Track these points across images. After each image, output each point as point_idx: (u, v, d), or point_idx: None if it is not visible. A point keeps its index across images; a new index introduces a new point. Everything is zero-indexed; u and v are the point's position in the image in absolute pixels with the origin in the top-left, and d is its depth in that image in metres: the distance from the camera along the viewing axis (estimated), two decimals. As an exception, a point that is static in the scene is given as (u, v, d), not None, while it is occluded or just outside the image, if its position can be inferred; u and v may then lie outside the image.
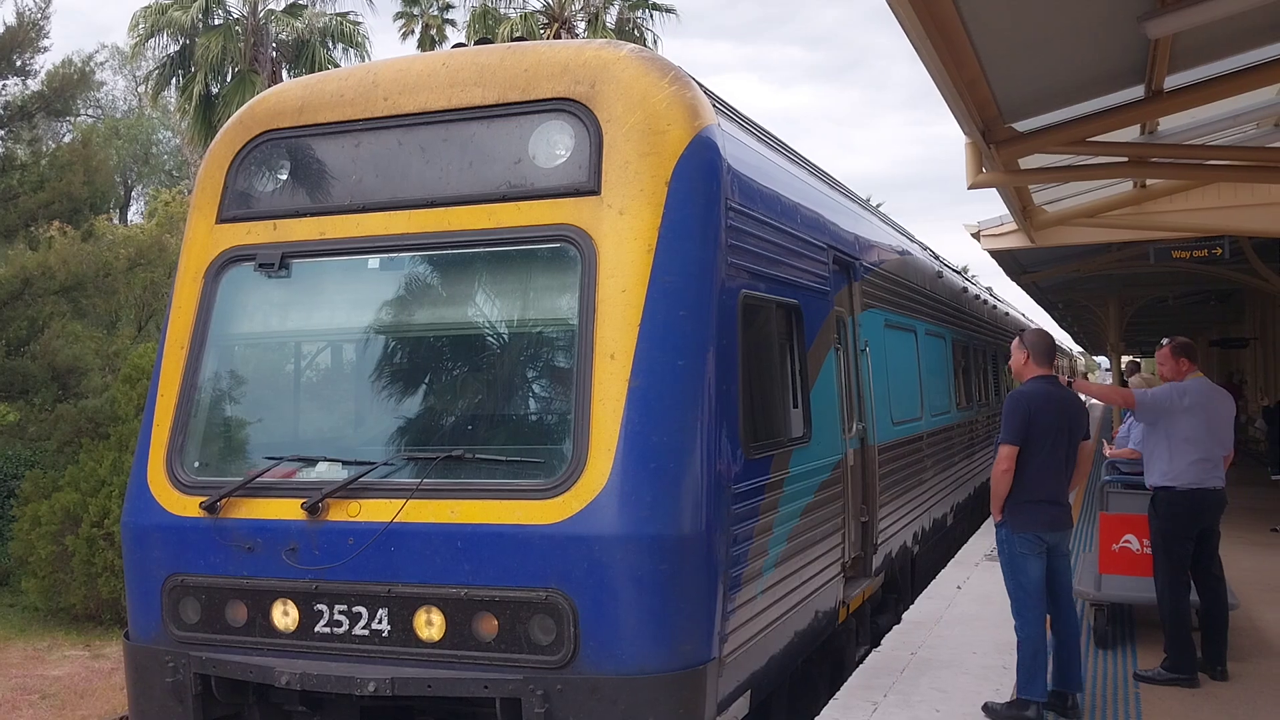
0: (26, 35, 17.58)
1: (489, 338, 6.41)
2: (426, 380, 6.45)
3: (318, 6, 33.05)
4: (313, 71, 27.84)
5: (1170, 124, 10.30)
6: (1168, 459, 7.41)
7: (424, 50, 31.86)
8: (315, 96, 6.60)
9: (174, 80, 32.46)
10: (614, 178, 5.83)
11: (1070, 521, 6.83)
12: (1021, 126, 9.03)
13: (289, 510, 5.98)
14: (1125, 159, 10.46)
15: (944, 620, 9.29)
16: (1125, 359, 29.87)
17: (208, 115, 30.92)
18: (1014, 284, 24.19)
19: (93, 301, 19.28)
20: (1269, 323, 27.85)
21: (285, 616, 5.98)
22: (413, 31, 36.04)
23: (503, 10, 33.69)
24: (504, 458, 5.83)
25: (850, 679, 7.56)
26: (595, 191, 5.85)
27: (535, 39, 28.39)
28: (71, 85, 18.61)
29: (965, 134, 9.06)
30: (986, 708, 6.77)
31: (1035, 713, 6.52)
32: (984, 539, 13.53)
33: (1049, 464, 6.62)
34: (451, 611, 5.65)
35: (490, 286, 6.34)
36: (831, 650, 8.24)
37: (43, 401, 17.68)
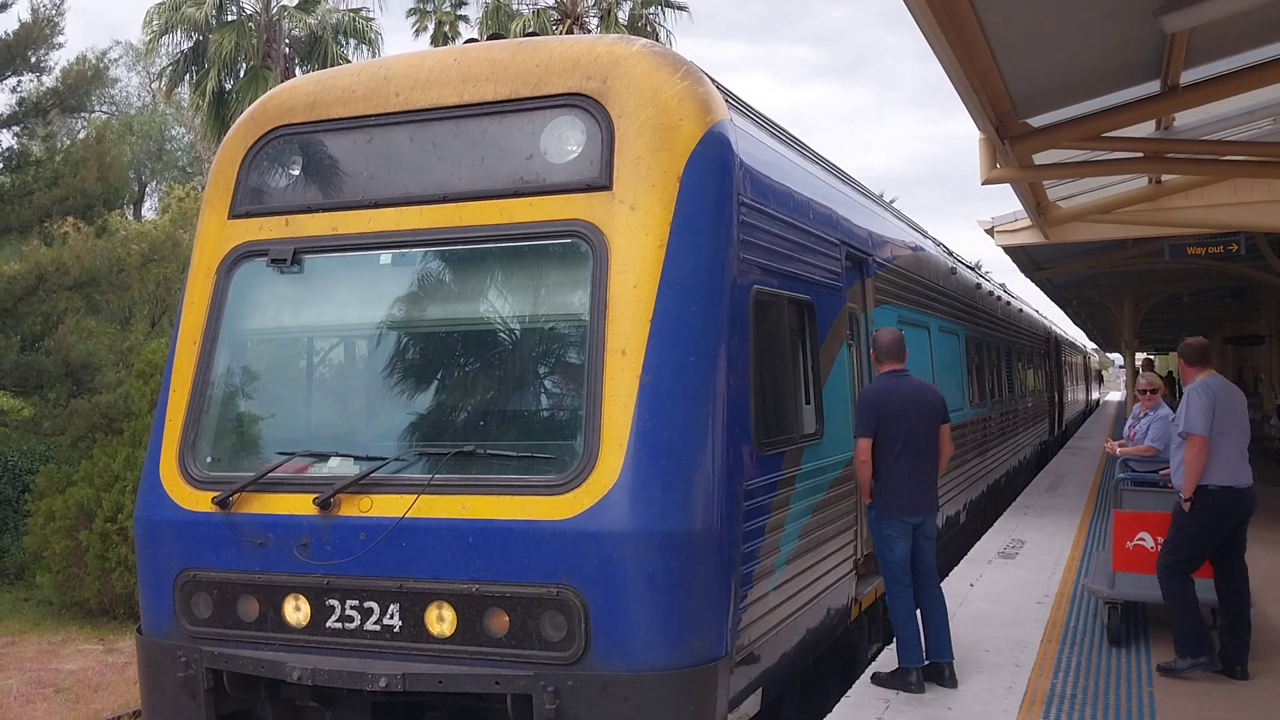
0: (41, 32, 17.64)
1: (500, 333, 6.40)
2: (438, 376, 6.45)
3: (331, 3, 33.05)
4: (325, 68, 27.86)
5: (1186, 119, 10.23)
6: None
7: (436, 46, 31.86)
8: (327, 92, 6.60)
9: (187, 76, 32.51)
10: (626, 173, 5.81)
11: (935, 504, 7.28)
12: (1036, 121, 8.99)
13: (301, 505, 5.99)
14: (1141, 154, 10.40)
15: (956, 618, 9.23)
16: (1141, 356, 29.68)
17: (221, 111, 30.97)
18: (1028, 280, 24.09)
19: (106, 297, 19.35)
20: (1285, 319, 27.68)
21: (297, 612, 5.99)
22: (425, 28, 36.02)
23: (515, 6, 33.69)
24: (515, 453, 5.82)
25: (863, 676, 7.54)
26: (607, 187, 5.83)
27: (547, 35, 28.34)
28: (86, 81, 18.67)
29: (979, 129, 9.02)
30: (875, 677, 7.28)
31: (916, 678, 7.03)
32: (997, 537, 13.48)
33: (906, 451, 6.98)
34: (463, 607, 5.65)
35: (502, 282, 6.33)
36: (844, 648, 8.22)
37: (57, 397, 17.76)
